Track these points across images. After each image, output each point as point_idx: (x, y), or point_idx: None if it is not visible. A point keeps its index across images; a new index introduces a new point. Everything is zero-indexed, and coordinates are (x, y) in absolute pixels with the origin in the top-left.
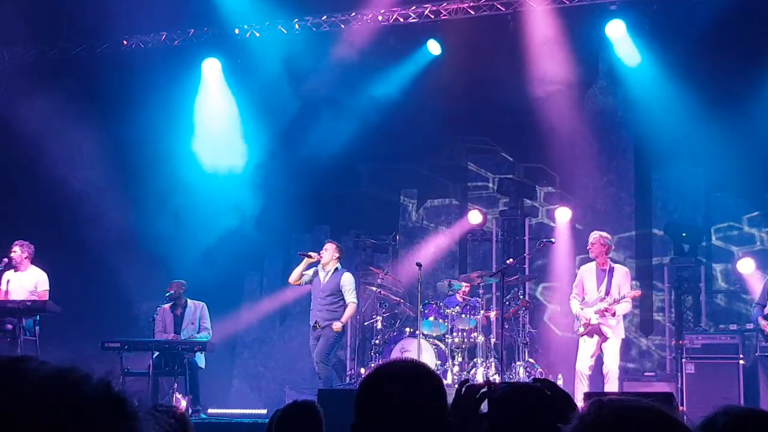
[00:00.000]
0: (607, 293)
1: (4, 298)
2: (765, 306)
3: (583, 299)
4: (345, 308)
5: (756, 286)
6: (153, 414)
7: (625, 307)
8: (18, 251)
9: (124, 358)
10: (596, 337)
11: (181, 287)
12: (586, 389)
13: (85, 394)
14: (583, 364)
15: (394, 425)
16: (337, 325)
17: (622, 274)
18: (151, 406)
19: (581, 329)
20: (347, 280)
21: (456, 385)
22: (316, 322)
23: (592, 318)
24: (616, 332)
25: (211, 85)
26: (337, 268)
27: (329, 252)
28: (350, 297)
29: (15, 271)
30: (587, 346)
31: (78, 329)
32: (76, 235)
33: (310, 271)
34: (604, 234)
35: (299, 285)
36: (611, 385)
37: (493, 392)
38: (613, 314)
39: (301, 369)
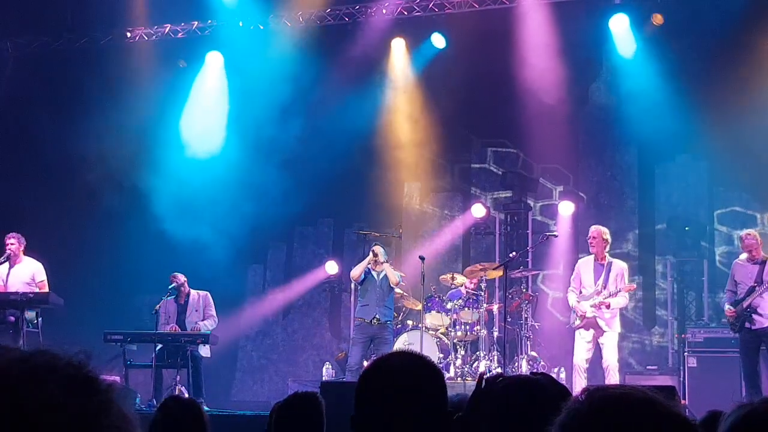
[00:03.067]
0: (605, 287)
1: (3, 291)
2: (735, 292)
3: (580, 293)
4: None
5: None
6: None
7: (620, 300)
8: (15, 243)
9: (127, 350)
10: (592, 331)
11: (180, 277)
12: (584, 383)
13: (49, 373)
14: (580, 357)
15: (394, 418)
16: None
17: (619, 268)
18: (165, 398)
19: (577, 321)
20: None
21: (459, 379)
22: (375, 317)
23: (588, 311)
24: (612, 325)
25: (213, 78)
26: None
27: (383, 253)
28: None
29: (11, 264)
30: (583, 340)
31: (81, 321)
32: (78, 225)
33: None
34: (604, 228)
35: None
36: (612, 379)
37: (496, 384)
38: (608, 307)
39: (305, 362)
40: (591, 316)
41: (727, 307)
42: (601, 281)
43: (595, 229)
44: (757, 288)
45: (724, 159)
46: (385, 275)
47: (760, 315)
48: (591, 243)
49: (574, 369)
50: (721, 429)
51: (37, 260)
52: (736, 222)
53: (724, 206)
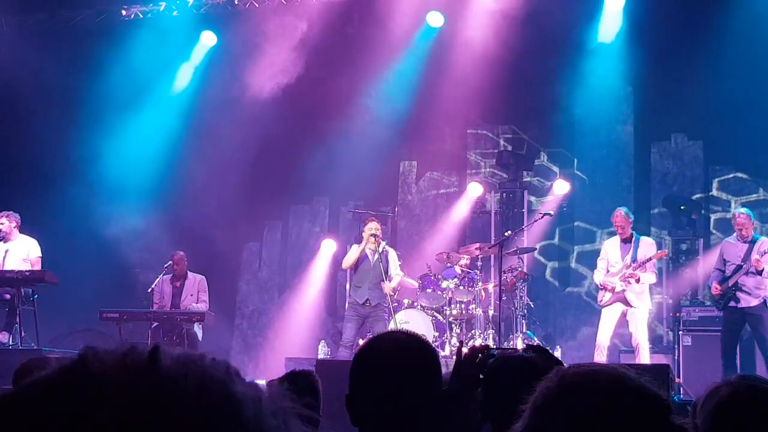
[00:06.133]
0: (634, 261)
1: None
2: (723, 271)
3: (608, 272)
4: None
5: None
6: None
7: (650, 277)
8: (6, 222)
9: (123, 329)
10: (620, 307)
11: (183, 259)
12: (605, 362)
13: None
14: (605, 336)
15: (387, 396)
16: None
17: (648, 243)
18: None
19: (607, 297)
20: (395, 254)
21: (454, 357)
22: (367, 300)
23: (617, 285)
24: (642, 300)
25: (206, 54)
26: (384, 246)
27: (374, 229)
28: (399, 269)
29: (5, 241)
30: (610, 317)
31: (76, 299)
32: (73, 203)
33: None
34: (625, 209)
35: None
36: (642, 358)
37: (488, 358)
38: (638, 280)
39: (300, 340)
40: (620, 291)
41: (713, 284)
42: (629, 256)
43: (621, 215)
44: (743, 266)
45: (721, 138)
46: (380, 258)
47: (746, 294)
48: (618, 227)
49: (597, 348)
50: (701, 419)
51: (32, 237)
52: (735, 189)
53: (720, 186)
